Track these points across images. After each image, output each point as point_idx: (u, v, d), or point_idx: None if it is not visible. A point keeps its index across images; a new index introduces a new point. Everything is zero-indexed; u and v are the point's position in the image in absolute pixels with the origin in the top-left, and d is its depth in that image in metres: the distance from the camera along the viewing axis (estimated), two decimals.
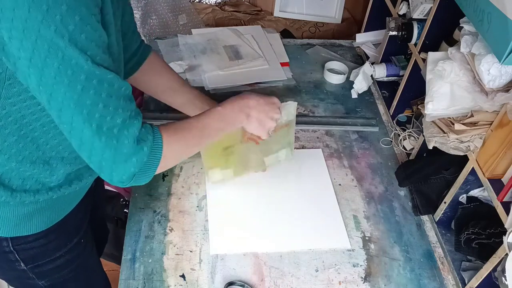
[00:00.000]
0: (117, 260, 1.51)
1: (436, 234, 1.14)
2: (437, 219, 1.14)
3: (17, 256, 0.92)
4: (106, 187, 1.57)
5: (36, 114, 0.76)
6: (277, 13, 1.96)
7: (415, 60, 1.27)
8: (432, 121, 1.07)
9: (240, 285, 0.97)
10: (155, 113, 1.35)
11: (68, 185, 0.89)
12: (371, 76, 1.52)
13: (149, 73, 1.09)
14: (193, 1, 1.96)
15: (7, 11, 0.59)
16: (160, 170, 0.80)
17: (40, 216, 0.90)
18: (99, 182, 1.10)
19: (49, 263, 0.97)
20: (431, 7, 1.19)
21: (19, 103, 0.73)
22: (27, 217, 0.88)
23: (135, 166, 0.74)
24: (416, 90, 1.31)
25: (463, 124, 1.00)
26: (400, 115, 1.41)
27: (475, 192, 1.08)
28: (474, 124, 0.99)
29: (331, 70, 1.59)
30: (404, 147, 1.33)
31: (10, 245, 0.90)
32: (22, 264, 0.93)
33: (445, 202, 1.11)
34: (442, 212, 1.12)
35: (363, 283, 1.02)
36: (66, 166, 0.86)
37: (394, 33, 1.34)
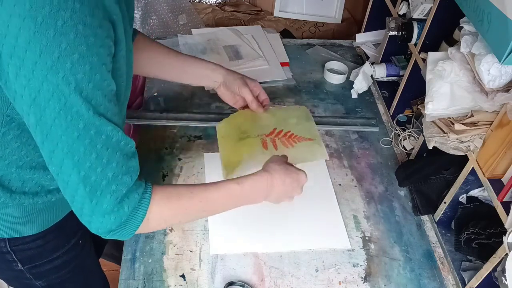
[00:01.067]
0: (117, 260, 1.51)
1: (436, 234, 1.14)
2: (437, 219, 1.14)
3: (15, 257, 0.92)
4: None
5: None
6: (277, 13, 1.96)
7: (415, 60, 1.27)
8: (432, 121, 1.07)
9: (240, 285, 0.97)
10: (155, 113, 1.35)
11: None
12: (371, 76, 1.52)
13: (140, 55, 1.05)
14: (193, 1, 1.96)
15: (19, 51, 0.59)
16: (144, 231, 0.76)
17: (38, 217, 0.89)
18: None
19: (46, 263, 0.97)
20: (431, 7, 1.19)
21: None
22: (25, 218, 0.88)
23: (112, 223, 0.70)
24: (416, 90, 1.31)
25: (463, 124, 1.00)
26: (400, 115, 1.41)
27: (475, 192, 1.08)
28: (474, 124, 0.99)
29: (331, 70, 1.59)
30: (404, 147, 1.33)
31: (8, 245, 0.90)
32: (19, 264, 0.93)
33: (445, 202, 1.11)
34: (442, 212, 1.12)
35: (363, 283, 1.02)
36: None
37: (394, 33, 1.34)
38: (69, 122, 0.63)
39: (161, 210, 0.76)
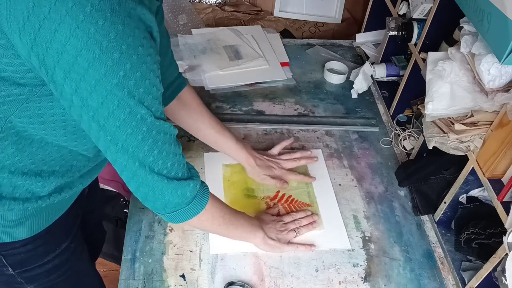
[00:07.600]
0: (117, 260, 1.51)
1: (436, 234, 1.14)
2: (437, 219, 1.14)
3: (5, 261, 0.91)
4: (106, 187, 1.56)
5: (39, 134, 0.76)
6: (277, 13, 1.96)
7: (415, 60, 1.27)
8: (432, 121, 1.07)
9: (240, 285, 0.97)
10: None
11: (58, 193, 0.89)
12: (371, 76, 1.52)
13: (180, 108, 1.09)
14: (193, 1, 1.97)
15: (80, 68, 0.63)
16: (195, 222, 0.86)
17: (28, 222, 0.88)
18: (93, 186, 1.09)
19: (37, 268, 0.96)
20: (431, 7, 1.19)
21: (27, 124, 0.74)
22: (14, 223, 0.86)
23: (191, 191, 0.81)
24: (416, 90, 1.31)
25: (463, 124, 1.00)
26: (400, 115, 1.41)
27: (475, 192, 1.08)
28: (474, 124, 0.99)
29: (331, 70, 1.59)
30: (404, 147, 1.33)
31: None
32: (10, 269, 0.92)
33: (445, 202, 1.11)
34: (442, 212, 1.12)
35: (363, 283, 1.02)
36: (58, 179, 0.86)
37: (394, 33, 1.34)
38: (134, 127, 0.70)
39: (213, 205, 0.89)
